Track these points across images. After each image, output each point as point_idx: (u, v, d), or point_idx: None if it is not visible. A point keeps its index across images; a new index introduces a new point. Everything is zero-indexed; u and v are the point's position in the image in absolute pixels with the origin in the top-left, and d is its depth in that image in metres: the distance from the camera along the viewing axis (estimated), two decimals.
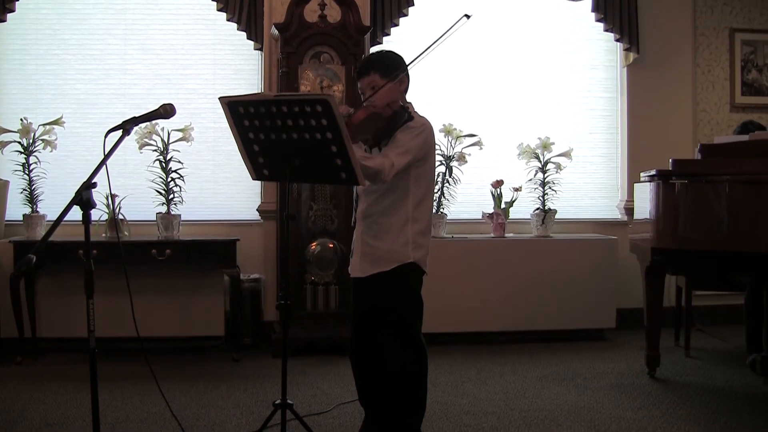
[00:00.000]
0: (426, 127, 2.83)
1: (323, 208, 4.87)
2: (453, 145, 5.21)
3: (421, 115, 2.88)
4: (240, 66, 5.30)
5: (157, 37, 5.22)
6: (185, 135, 4.87)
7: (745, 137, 4.34)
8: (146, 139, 4.79)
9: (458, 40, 5.51)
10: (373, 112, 2.73)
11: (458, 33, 5.45)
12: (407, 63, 2.86)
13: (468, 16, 2.79)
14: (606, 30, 5.58)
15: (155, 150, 4.84)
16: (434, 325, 4.41)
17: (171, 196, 4.88)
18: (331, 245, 4.86)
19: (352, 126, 2.63)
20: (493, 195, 5.36)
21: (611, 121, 5.80)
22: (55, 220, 2.27)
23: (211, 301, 4.97)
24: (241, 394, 3.91)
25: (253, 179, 2.88)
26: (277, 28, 4.76)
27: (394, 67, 2.86)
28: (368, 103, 2.78)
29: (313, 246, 4.84)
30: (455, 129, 5.20)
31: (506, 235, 5.32)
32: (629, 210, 5.31)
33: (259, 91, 5.16)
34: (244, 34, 5.12)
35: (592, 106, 5.78)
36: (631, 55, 5.61)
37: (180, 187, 4.91)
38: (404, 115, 2.80)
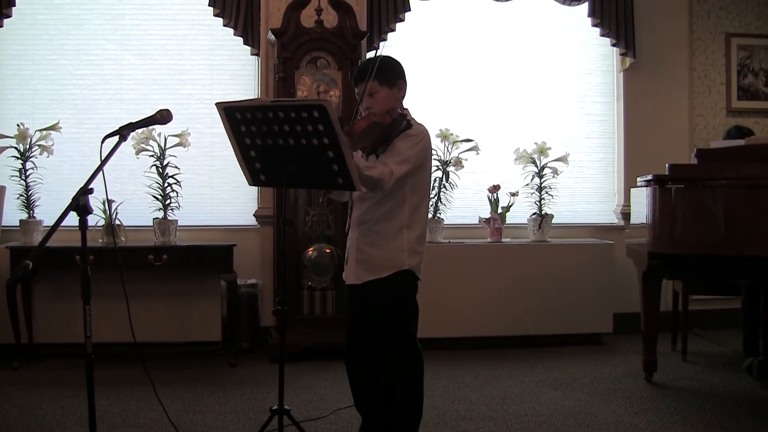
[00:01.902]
0: (424, 136, 2.84)
1: (320, 213, 4.87)
2: (450, 150, 5.21)
3: (418, 122, 2.88)
4: (237, 71, 5.30)
5: (154, 42, 5.22)
6: (182, 140, 4.87)
7: (741, 142, 4.35)
8: (143, 145, 4.78)
9: (455, 44, 5.55)
10: (373, 120, 2.74)
11: (457, 35, 5.51)
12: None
13: None
14: (602, 35, 5.59)
15: (152, 155, 4.84)
16: (431, 329, 4.43)
17: (168, 201, 4.87)
18: (328, 250, 4.86)
19: (353, 135, 2.65)
20: (489, 200, 5.36)
21: (608, 126, 5.81)
22: (52, 226, 2.26)
23: (208, 307, 4.97)
24: (238, 400, 3.90)
25: (250, 185, 2.88)
26: (273, 34, 4.77)
27: (392, 73, 2.87)
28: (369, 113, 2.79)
29: (310, 251, 4.84)
30: (452, 134, 5.19)
31: (503, 239, 5.32)
32: (626, 215, 5.32)
33: (256, 97, 5.17)
34: (241, 39, 5.11)
35: (589, 110, 5.78)
36: (628, 60, 5.62)
37: (177, 192, 4.90)
38: (402, 122, 2.81)
